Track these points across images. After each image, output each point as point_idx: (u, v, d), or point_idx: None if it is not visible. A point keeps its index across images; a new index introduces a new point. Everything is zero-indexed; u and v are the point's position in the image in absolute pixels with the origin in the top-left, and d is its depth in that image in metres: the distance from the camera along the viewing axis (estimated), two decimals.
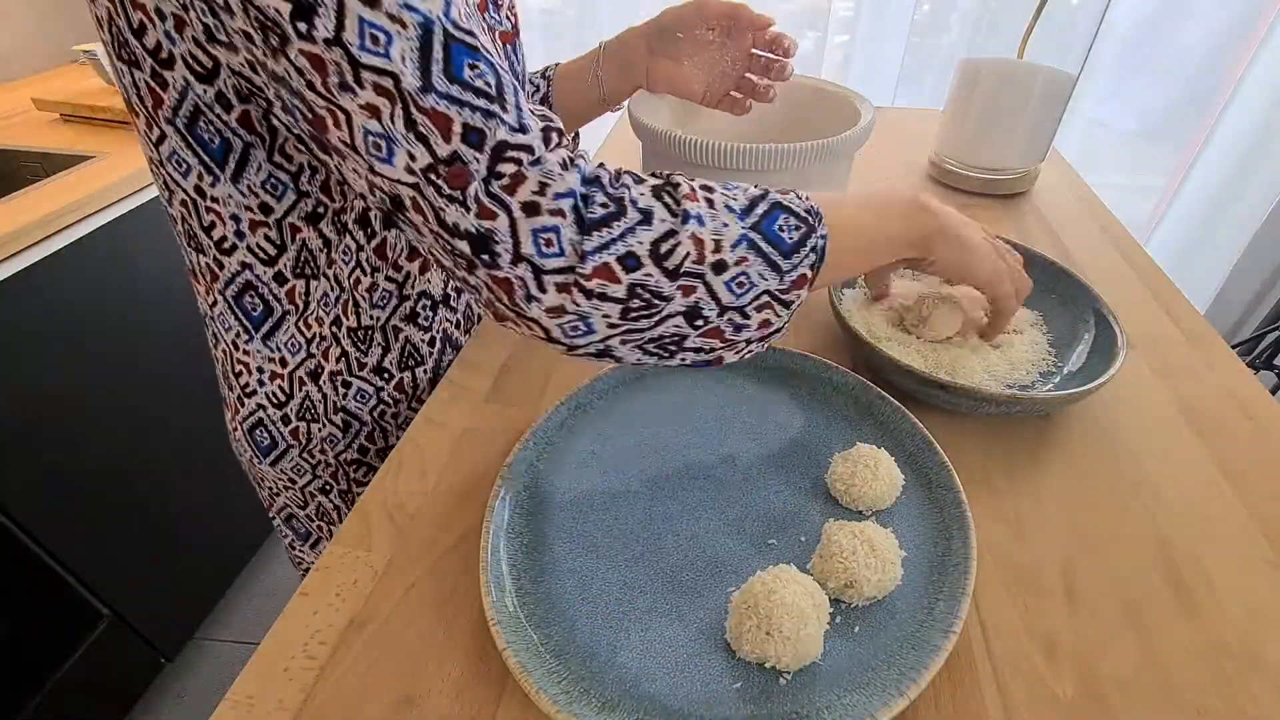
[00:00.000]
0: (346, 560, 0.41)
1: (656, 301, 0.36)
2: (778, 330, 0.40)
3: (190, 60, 0.40)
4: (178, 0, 0.36)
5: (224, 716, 0.34)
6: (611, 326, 0.36)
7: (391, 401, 0.59)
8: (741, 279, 0.36)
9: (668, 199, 0.35)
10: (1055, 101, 0.77)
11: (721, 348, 0.39)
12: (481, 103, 0.32)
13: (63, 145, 1.12)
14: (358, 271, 0.53)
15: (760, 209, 0.37)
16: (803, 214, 0.38)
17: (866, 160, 0.71)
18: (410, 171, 0.33)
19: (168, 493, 1.19)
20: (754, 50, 0.62)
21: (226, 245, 0.49)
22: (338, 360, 0.55)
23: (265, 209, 0.47)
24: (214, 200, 0.47)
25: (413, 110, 0.31)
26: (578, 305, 0.34)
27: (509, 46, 0.57)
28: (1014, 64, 0.77)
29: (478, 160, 0.32)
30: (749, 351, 0.40)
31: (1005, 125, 0.79)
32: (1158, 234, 1.66)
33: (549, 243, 0.33)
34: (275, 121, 0.43)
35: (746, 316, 0.38)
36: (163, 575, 1.21)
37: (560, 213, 0.33)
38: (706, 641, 0.36)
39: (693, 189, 0.36)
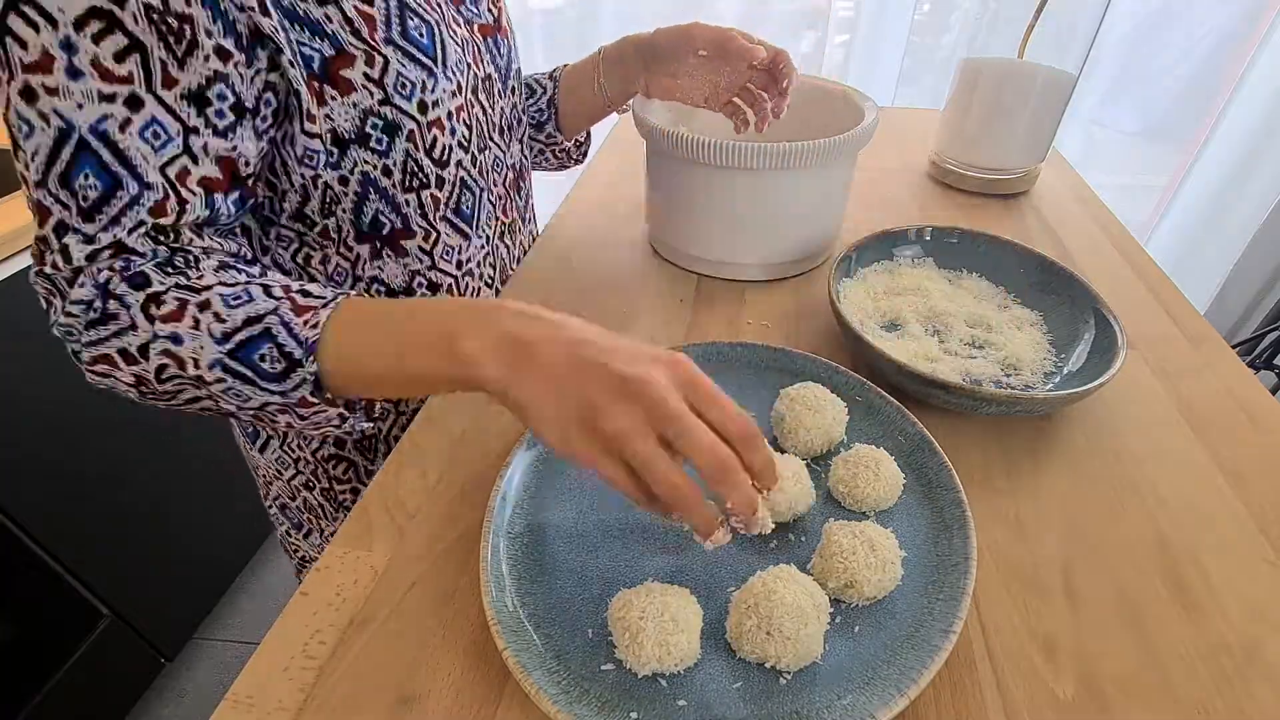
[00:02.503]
0: (346, 560, 0.41)
1: (162, 394, 0.41)
2: (344, 417, 0.41)
3: None
4: None
5: (224, 716, 0.34)
6: (141, 397, 0.42)
7: None
8: (231, 393, 0.39)
9: (152, 310, 0.39)
10: (1055, 101, 0.77)
11: (305, 424, 0.41)
12: (71, 209, 0.39)
13: None
14: (305, 250, 0.52)
15: (245, 333, 0.38)
16: (288, 351, 0.37)
17: (866, 160, 0.71)
18: (36, 228, 0.40)
19: (167, 493, 1.19)
20: (753, 66, 0.60)
21: None
22: None
23: None
24: None
25: (32, 190, 0.39)
26: (92, 376, 0.42)
27: (490, 40, 0.57)
28: (1014, 64, 0.77)
29: (50, 249, 0.40)
30: (356, 423, 0.42)
31: (1005, 125, 0.79)
32: (1158, 234, 1.66)
33: (70, 332, 0.40)
34: None
35: (274, 415, 0.40)
36: (163, 575, 1.20)
37: (73, 315, 0.39)
38: (706, 641, 0.36)
39: (181, 310, 0.38)
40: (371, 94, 0.46)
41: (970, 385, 0.47)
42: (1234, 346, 0.80)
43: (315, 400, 0.39)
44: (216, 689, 1.28)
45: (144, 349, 0.39)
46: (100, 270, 0.40)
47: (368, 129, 0.47)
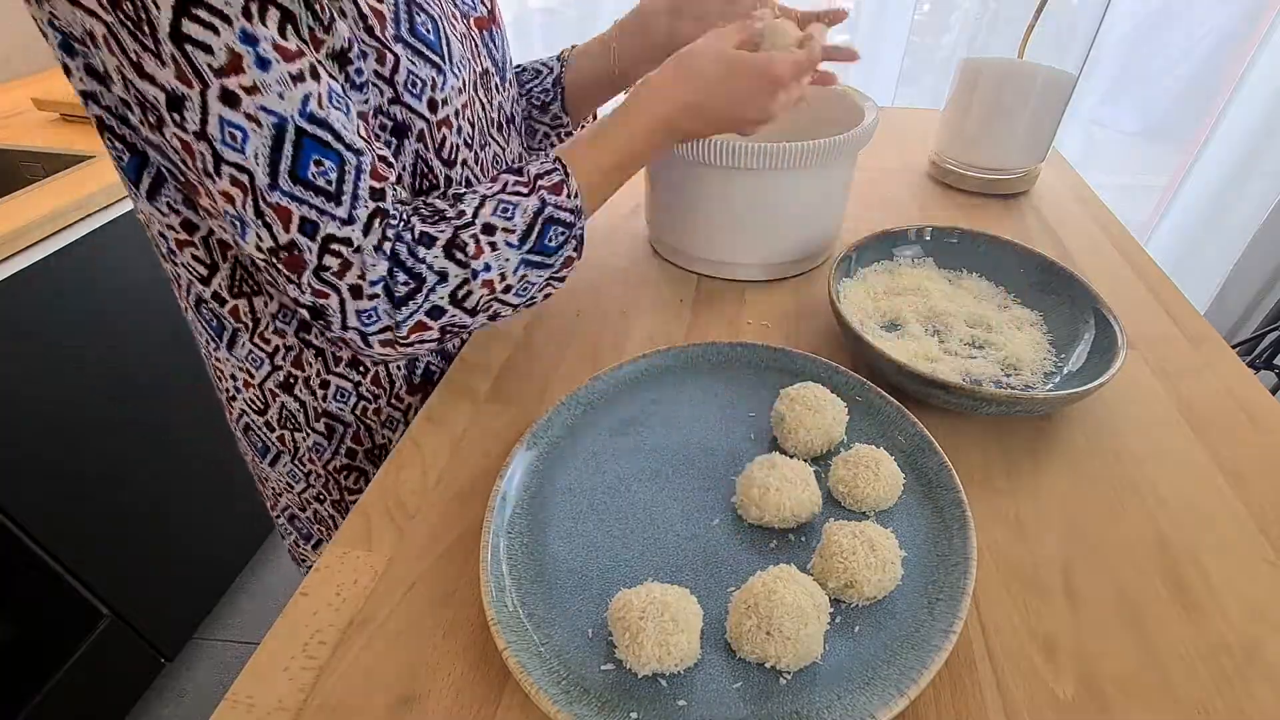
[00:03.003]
0: (346, 560, 0.41)
1: (464, 330, 0.46)
2: (558, 287, 0.50)
3: (84, 78, 0.41)
4: (71, 31, 0.38)
5: (224, 716, 0.34)
6: (432, 350, 0.50)
7: (371, 397, 0.58)
8: (525, 287, 0.47)
9: (459, 256, 0.43)
10: (1055, 101, 0.77)
11: (516, 313, 0.49)
12: (318, 201, 0.38)
13: (63, 145, 1.12)
14: None
15: (536, 231, 0.45)
16: (569, 220, 0.47)
17: (866, 160, 0.71)
18: (259, 249, 0.39)
19: (167, 493, 1.19)
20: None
21: (174, 259, 0.49)
22: (312, 363, 0.55)
23: (189, 226, 0.47)
24: (142, 213, 0.47)
25: (260, 202, 0.37)
26: (402, 350, 0.45)
27: (485, 33, 0.56)
28: (1014, 64, 0.77)
29: (310, 250, 0.39)
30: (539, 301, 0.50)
31: (1005, 125, 0.79)
32: (1158, 234, 1.66)
33: (370, 316, 0.42)
34: None
35: (533, 298, 0.48)
36: (163, 575, 1.20)
37: (377, 296, 0.41)
38: (706, 641, 0.36)
39: (478, 244, 0.43)
40: (382, 92, 0.45)
41: (970, 385, 0.47)
42: (1234, 346, 0.80)
43: (578, 255, 0.48)
44: (216, 689, 1.28)
45: (456, 294, 0.43)
46: (382, 245, 0.41)
47: (375, 130, 0.46)
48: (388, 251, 0.41)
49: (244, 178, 0.36)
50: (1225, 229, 1.58)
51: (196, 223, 0.47)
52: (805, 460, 0.45)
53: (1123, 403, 0.52)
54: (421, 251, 0.42)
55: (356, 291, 0.40)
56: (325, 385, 0.56)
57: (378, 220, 0.40)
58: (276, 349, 0.53)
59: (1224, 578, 0.40)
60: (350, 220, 0.39)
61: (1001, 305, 0.61)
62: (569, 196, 0.46)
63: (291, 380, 0.55)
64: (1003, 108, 0.78)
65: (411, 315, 0.42)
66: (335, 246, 0.39)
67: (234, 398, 0.57)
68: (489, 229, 0.44)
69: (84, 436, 1.02)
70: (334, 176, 0.38)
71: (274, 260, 0.39)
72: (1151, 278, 0.68)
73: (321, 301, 0.41)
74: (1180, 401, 0.52)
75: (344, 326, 0.42)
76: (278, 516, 0.69)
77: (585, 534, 0.42)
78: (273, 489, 0.65)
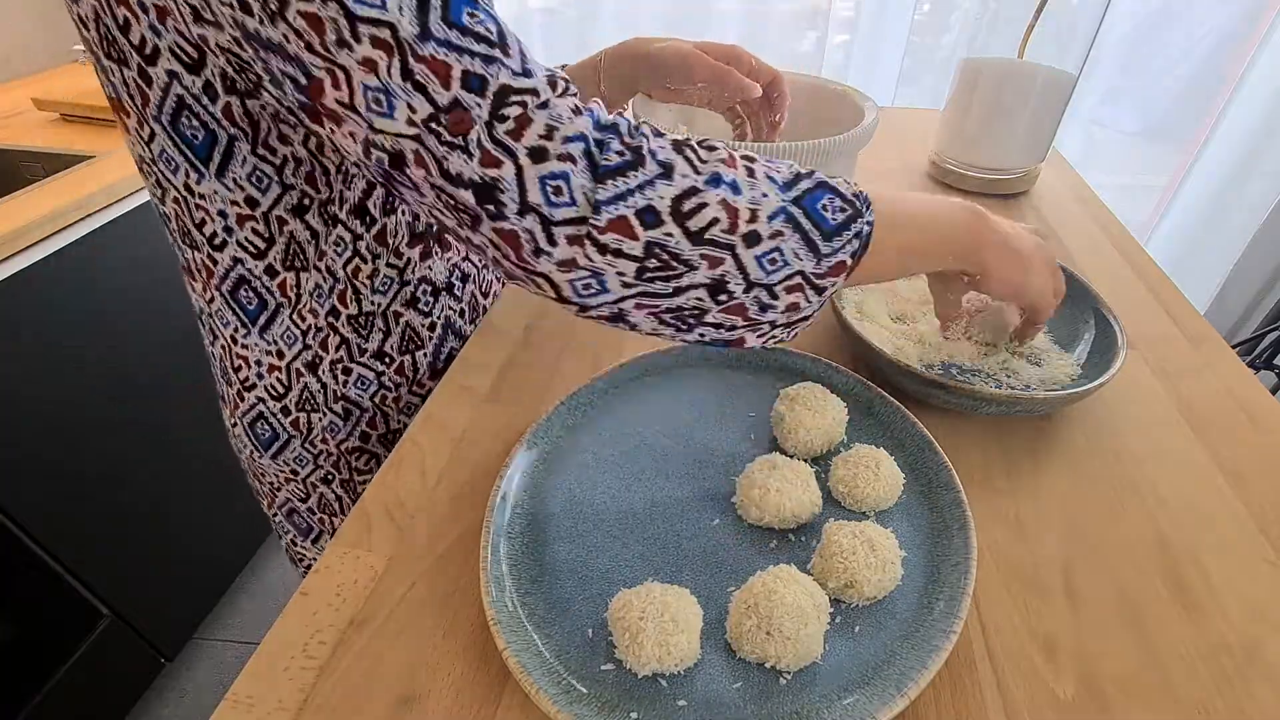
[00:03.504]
0: (346, 560, 0.41)
1: (676, 265, 0.33)
2: (806, 318, 0.38)
3: (177, 51, 0.40)
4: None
5: (224, 716, 0.34)
6: (626, 286, 0.34)
7: (392, 386, 0.59)
8: (775, 255, 0.34)
9: (691, 155, 0.34)
10: (1055, 101, 0.77)
11: (744, 327, 0.37)
12: (481, 48, 0.31)
13: (63, 145, 1.12)
14: (356, 260, 0.53)
15: (804, 184, 0.35)
16: (850, 197, 0.36)
17: (866, 160, 0.71)
18: (411, 124, 0.31)
19: (167, 493, 1.19)
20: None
21: (218, 241, 0.49)
22: (337, 349, 0.55)
23: (251, 202, 0.47)
24: (201, 196, 0.47)
25: (410, 60, 0.30)
26: (590, 260, 0.33)
27: None
28: (1014, 64, 0.77)
29: (479, 105, 0.31)
30: (772, 337, 0.38)
31: (1005, 125, 0.79)
32: (1158, 234, 1.66)
33: (558, 190, 0.31)
34: (262, 106, 0.43)
35: (775, 296, 0.35)
36: (163, 575, 1.21)
37: (570, 158, 0.31)
38: (706, 641, 0.36)
39: (731, 155, 0.35)
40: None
41: (970, 385, 0.47)
42: (1234, 346, 0.80)
43: (852, 265, 0.36)
44: (216, 689, 1.28)
45: (681, 203, 0.32)
46: (576, 106, 0.32)
47: None
48: (593, 114, 0.32)
49: (385, 34, 0.30)
50: (1225, 229, 1.58)
51: (258, 199, 0.47)
52: (805, 460, 0.45)
53: (1123, 403, 0.52)
54: (645, 130, 0.33)
55: (539, 154, 0.31)
56: (348, 372, 0.57)
57: (561, 83, 0.33)
58: (310, 327, 0.54)
59: (1224, 578, 0.40)
60: (527, 73, 0.31)
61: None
62: (846, 183, 0.37)
63: (318, 361, 0.55)
64: (1003, 108, 0.78)
65: (617, 202, 0.32)
66: (515, 98, 0.31)
67: (252, 386, 0.57)
68: (749, 158, 0.35)
69: (84, 436, 1.02)
70: (493, 27, 0.31)
71: (431, 129, 0.31)
72: (1151, 278, 0.68)
73: (493, 173, 0.31)
74: (1180, 401, 0.52)
75: (521, 209, 0.31)
76: (274, 514, 0.69)
77: (585, 534, 0.42)
78: (270, 484, 0.65)
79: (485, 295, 0.66)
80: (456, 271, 0.60)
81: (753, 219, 0.34)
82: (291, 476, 0.63)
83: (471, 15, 0.31)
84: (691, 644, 0.34)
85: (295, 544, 0.70)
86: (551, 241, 0.32)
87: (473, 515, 0.44)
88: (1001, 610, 0.38)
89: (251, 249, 0.50)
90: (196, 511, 1.26)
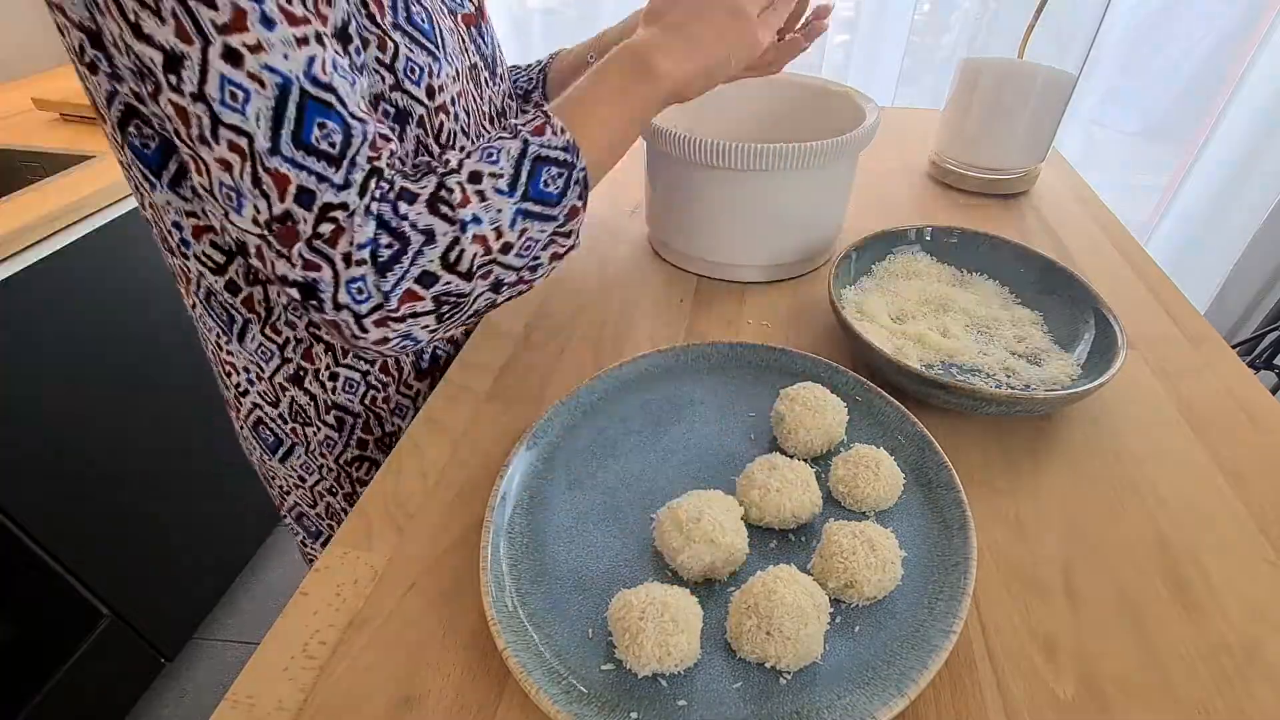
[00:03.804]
0: (346, 560, 0.41)
1: (464, 301, 0.42)
2: (571, 248, 0.45)
3: (111, 65, 0.40)
4: (90, 23, 0.38)
5: (224, 716, 0.34)
6: (433, 330, 0.42)
7: (380, 385, 0.59)
8: (527, 244, 0.42)
9: (444, 210, 0.39)
10: (1055, 101, 0.77)
11: (525, 286, 0.45)
12: (319, 166, 0.36)
13: (63, 145, 1.12)
14: None
15: (524, 175, 0.41)
16: (561, 157, 0.42)
17: (866, 160, 0.71)
18: (255, 223, 0.37)
19: (168, 492, 1.19)
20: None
21: (186, 250, 0.49)
22: (321, 356, 0.55)
23: (209, 213, 0.47)
24: (159, 206, 0.47)
25: (259, 168, 0.35)
26: (396, 329, 0.40)
27: (473, 29, 0.57)
28: (1014, 64, 0.77)
29: (305, 220, 0.37)
30: (550, 270, 0.46)
31: (1005, 125, 0.79)
32: (1158, 234, 1.66)
33: (360, 290, 0.38)
34: None
35: (538, 259, 0.44)
36: (163, 575, 1.21)
37: (364, 262, 0.38)
38: (706, 641, 0.36)
39: (464, 191, 0.39)
40: (383, 79, 0.46)
41: (970, 385, 0.47)
42: (1234, 346, 0.80)
43: (583, 204, 0.43)
44: (216, 689, 1.28)
45: (447, 255, 0.39)
46: (369, 207, 0.38)
47: (379, 116, 0.47)
48: (374, 212, 0.38)
49: (243, 141, 0.35)
50: (1225, 229, 1.57)
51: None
52: (805, 460, 0.45)
53: (1123, 403, 0.52)
54: (404, 208, 0.39)
55: (347, 259, 0.37)
56: (334, 377, 0.56)
57: (373, 181, 0.38)
58: (287, 341, 0.54)
59: (1224, 578, 0.40)
60: (346, 185, 0.37)
61: (1002, 305, 0.61)
62: (555, 134, 0.42)
63: (301, 373, 0.55)
64: (1003, 108, 0.78)
65: (399, 283, 0.38)
66: (332, 214, 0.37)
67: (245, 392, 0.57)
68: (475, 176, 0.40)
69: (84, 436, 1.02)
70: (338, 140, 0.36)
71: (268, 233, 0.37)
72: (1151, 278, 0.68)
73: (313, 275, 0.38)
74: (1180, 401, 0.52)
75: (336, 305, 0.38)
76: (285, 516, 0.69)
77: (585, 534, 0.42)
78: (280, 487, 0.65)
79: None
80: None
81: (499, 234, 0.40)
82: (299, 483, 0.63)
83: (321, 128, 0.36)
84: (691, 644, 0.34)
85: (305, 545, 0.70)
86: (363, 329, 0.40)
87: (473, 515, 0.44)
88: (1001, 610, 0.38)
89: (210, 264, 0.49)
90: (196, 511, 1.26)
